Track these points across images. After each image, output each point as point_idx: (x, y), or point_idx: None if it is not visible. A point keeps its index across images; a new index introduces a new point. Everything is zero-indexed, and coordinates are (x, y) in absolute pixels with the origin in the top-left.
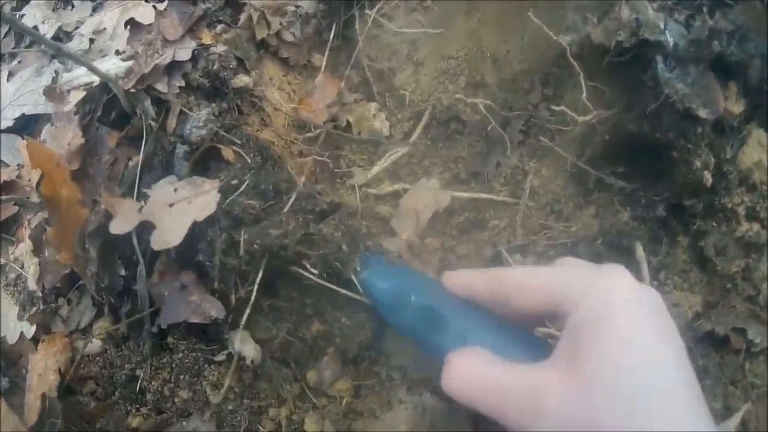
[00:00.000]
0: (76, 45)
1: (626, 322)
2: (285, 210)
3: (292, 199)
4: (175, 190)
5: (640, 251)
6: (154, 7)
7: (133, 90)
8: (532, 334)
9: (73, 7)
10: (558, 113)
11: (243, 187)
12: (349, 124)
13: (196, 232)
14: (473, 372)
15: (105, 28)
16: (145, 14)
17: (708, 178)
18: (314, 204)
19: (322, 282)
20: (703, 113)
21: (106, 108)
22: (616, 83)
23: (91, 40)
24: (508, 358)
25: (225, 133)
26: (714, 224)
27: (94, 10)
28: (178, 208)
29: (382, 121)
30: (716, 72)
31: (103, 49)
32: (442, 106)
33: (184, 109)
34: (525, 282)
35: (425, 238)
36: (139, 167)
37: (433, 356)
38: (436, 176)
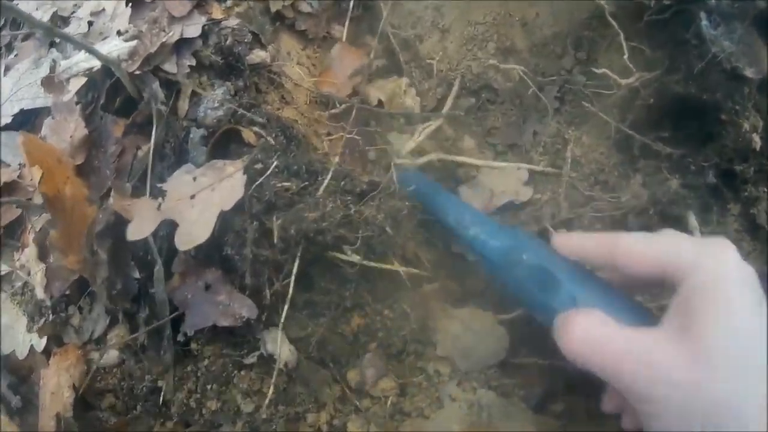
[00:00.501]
0: (74, 29)
1: (736, 294)
2: (320, 191)
3: (327, 179)
4: (194, 178)
5: (693, 221)
6: None
7: (138, 72)
8: (636, 299)
9: None
10: (596, 77)
11: (271, 168)
12: (381, 103)
13: (221, 222)
14: (593, 333)
15: (104, 9)
16: None
17: (757, 141)
18: (352, 184)
19: (371, 264)
20: (749, 72)
21: (109, 94)
22: (657, 43)
23: (90, 23)
24: (618, 320)
25: (242, 114)
26: (766, 190)
27: None
28: (201, 198)
29: (413, 97)
30: (759, 29)
31: (104, 31)
32: (471, 74)
33: (197, 90)
34: (637, 248)
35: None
36: (150, 156)
37: (541, 316)
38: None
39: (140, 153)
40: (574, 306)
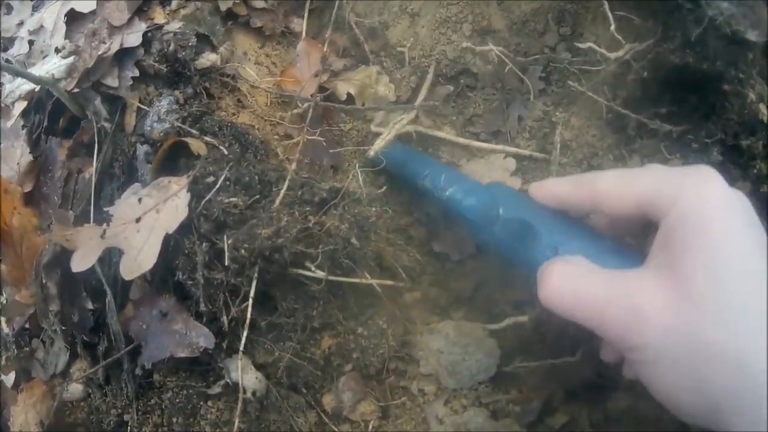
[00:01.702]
0: (17, 50)
1: (721, 225)
2: (276, 204)
3: (283, 190)
4: (140, 200)
5: None
6: None
7: (77, 90)
8: (623, 242)
9: (11, 10)
10: (583, 52)
11: (220, 182)
12: (351, 97)
13: (172, 245)
14: (573, 283)
15: (43, 26)
16: (85, 2)
17: (764, 111)
18: (311, 192)
19: (339, 279)
20: (752, 36)
21: (53, 116)
22: (647, 11)
23: (31, 42)
24: (602, 266)
25: (191, 124)
26: None
27: (35, 8)
28: (147, 221)
29: (386, 84)
30: None
31: (44, 50)
32: (447, 59)
33: (142, 106)
34: (616, 186)
35: None
36: (93, 179)
37: (524, 270)
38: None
39: (87, 175)
40: (555, 255)
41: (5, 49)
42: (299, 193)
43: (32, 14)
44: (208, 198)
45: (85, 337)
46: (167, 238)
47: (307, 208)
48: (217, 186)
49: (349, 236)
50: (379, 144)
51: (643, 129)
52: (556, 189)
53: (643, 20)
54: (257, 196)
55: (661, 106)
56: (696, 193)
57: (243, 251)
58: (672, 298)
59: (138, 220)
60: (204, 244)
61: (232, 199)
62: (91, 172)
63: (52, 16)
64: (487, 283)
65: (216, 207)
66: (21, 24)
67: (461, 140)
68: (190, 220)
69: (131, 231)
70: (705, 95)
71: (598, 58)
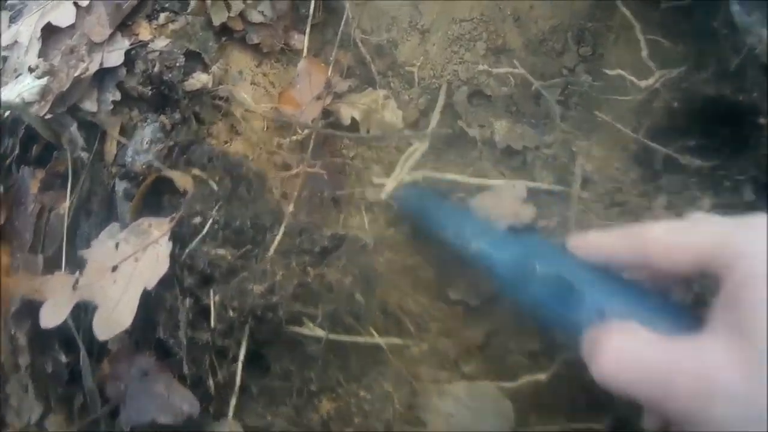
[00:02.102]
0: None
1: None
2: (270, 253)
3: (278, 237)
4: (117, 245)
5: None
6: (76, 4)
7: (50, 115)
8: (673, 300)
9: None
10: (604, 76)
11: (207, 227)
12: (354, 122)
13: (153, 297)
14: (633, 355)
15: (17, 41)
16: (63, 15)
17: None
18: (311, 241)
19: (340, 338)
20: None
21: (26, 142)
22: (678, 35)
23: (4, 59)
24: (655, 329)
25: (178, 154)
26: None
27: (13, 19)
28: (124, 271)
29: (393, 110)
30: None
31: (18, 68)
32: (459, 80)
33: (120, 138)
34: (671, 239)
35: None
36: (66, 217)
37: (566, 334)
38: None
39: (62, 211)
40: (602, 319)
41: None
42: (297, 241)
43: (9, 26)
44: (193, 246)
45: (60, 389)
46: (145, 293)
47: (306, 258)
48: (204, 232)
49: (353, 291)
50: (390, 186)
51: (670, 163)
52: (602, 242)
53: (674, 44)
54: (248, 246)
55: (690, 138)
56: (759, 250)
57: (231, 311)
58: (740, 364)
59: (114, 268)
60: (188, 300)
61: (219, 251)
62: (66, 207)
63: (28, 29)
64: (500, 330)
65: (202, 257)
66: None
67: (473, 181)
68: (173, 270)
69: (107, 281)
70: (738, 128)
71: (627, 85)
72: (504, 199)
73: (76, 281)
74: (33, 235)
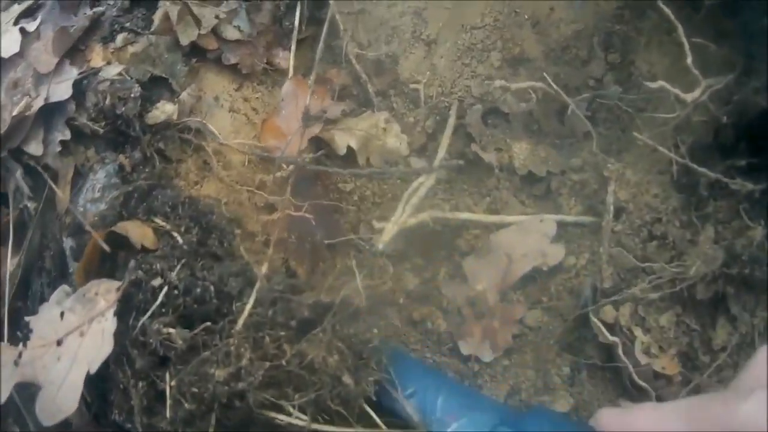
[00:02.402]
0: None
1: None
2: (237, 327)
3: (247, 309)
4: (62, 314)
5: None
6: (23, 29)
7: None
8: None
9: None
10: (635, 85)
11: (162, 295)
12: (351, 151)
13: (107, 374)
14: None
15: None
16: (9, 43)
17: None
18: (288, 312)
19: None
20: None
21: None
22: (723, 37)
23: None
24: None
25: (138, 201)
26: None
27: None
28: (69, 346)
29: (397, 135)
30: None
31: None
32: (472, 97)
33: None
34: (722, 417)
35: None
36: (7, 279)
37: None
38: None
39: (10, 269)
40: None
41: None
42: (270, 312)
43: None
44: (145, 319)
45: None
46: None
47: (282, 333)
48: (158, 301)
49: (340, 374)
50: (389, 233)
51: (717, 188)
52: (637, 420)
53: (719, 48)
54: (208, 323)
55: (739, 158)
56: None
57: (191, 399)
58: None
59: (59, 342)
60: (141, 384)
61: (169, 331)
62: (13, 264)
63: None
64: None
65: (154, 334)
66: None
67: (491, 218)
68: (124, 348)
69: (51, 358)
70: None
71: (667, 97)
72: (530, 236)
73: (19, 355)
74: None
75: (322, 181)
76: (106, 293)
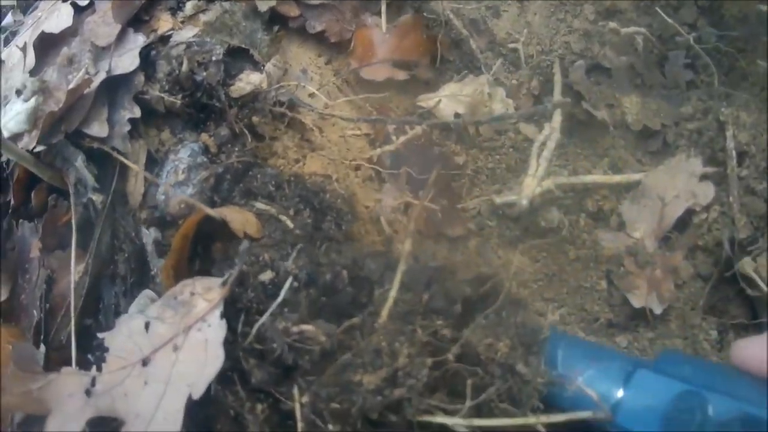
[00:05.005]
0: None
1: None
2: (381, 320)
3: (391, 296)
4: (147, 324)
5: None
6: (74, 3)
7: (42, 148)
8: None
9: None
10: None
11: (285, 288)
12: (458, 117)
13: (206, 399)
14: None
15: (4, 62)
16: (59, 19)
17: None
18: (447, 294)
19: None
20: None
21: (23, 188)
22: None
23: None
24: None
25: (231, 184)
26: None
27: (6, 42)
28: (159, 365)
29: (502, 100)
30: None
31: (7, 94)
32: (572, 53)
33: (147, 175)
34: None
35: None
36: (72, 289)
37: None
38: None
39: (77, 277)
40: None
41: None
42: (424, 297)
43: (1, 51)
44: (259, 324)
45: None
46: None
47: (439, 322)
48: (280, 298)
49: (513, 361)
50: (529, 187)
51: None
52: None
53: None
54: (354, 319)
55: None
56: None
57: (329, 418)
58: None
59: (145, 362)
60: (260, 406)
61: (303, 329)
62: (79, 270)
63: (19, 48)
64: None
65: (277, 338)
66: None
67: (616, 179)
68: (234, 362)
69: (135, 383)
70: None
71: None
72: (678, 175)
73: (92, 382)
74: (42, 312)
75: (432, 154)
76: (205, 292)
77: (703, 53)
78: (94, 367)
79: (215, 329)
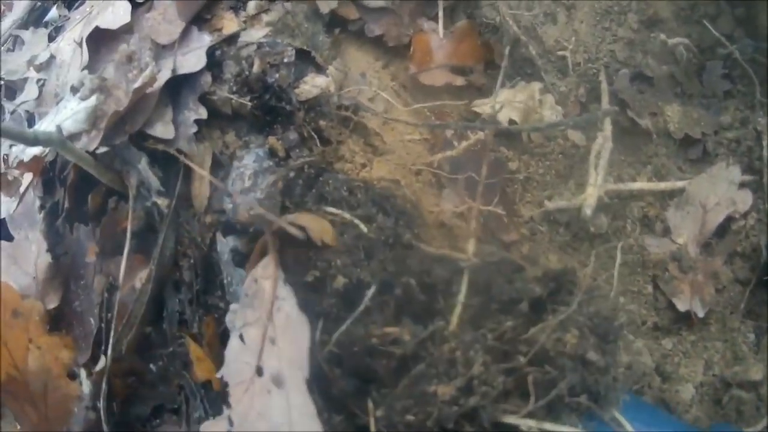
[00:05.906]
0: (25, 96)
1: None
2: (452, 327)
3: (460, 301)
4: (241, 337)
5: None
6: (132, 0)
7: (104, 149)
8: None
9: (20, 44)
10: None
11: (369, 296)
12: (513, 124)
13: None
14: None
15: (55, 58)
16: (115, 15)
17: None
18: (513, 293)
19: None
20: None
21: (79, 190)
22: None
23: (41, 83)
24: None
25: (303, 190)
26: None
27: (51, 39)
28: (270, 365)
29: (552, 107)
30: None
31: (59, 92)
32: (617, 62)
33: (213, 180)
34: None
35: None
36: (135, 300)
37: None
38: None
39: (138, 284)
40: None
41: (12, 96)
42: (491, 297)
43: (48, 46)
44: (341, 330)
45: None
46: None
47: (509, 323)
48: (363, 304)
49: (584, 351)
50: (592, 196)
51: None
52: None
53: None
54: (431, 328)
55: None
56: None
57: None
58: None
59: (260, 371)
60: (336, 418)
61: (389, 330)
62: (142, 277)
63: (70, 44)
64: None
65: (361, 344)
66: (33, 60)
67: (661, 186)
68: (316, 368)
69: (261, 399)
70: None
71: None
72: (718, 182)
73: (230, 423)
74: (99, 320)
75: (489, 160)
76: (265, 270)
77: (744, 64)
78: (224, 407)
79: (287, 298)
